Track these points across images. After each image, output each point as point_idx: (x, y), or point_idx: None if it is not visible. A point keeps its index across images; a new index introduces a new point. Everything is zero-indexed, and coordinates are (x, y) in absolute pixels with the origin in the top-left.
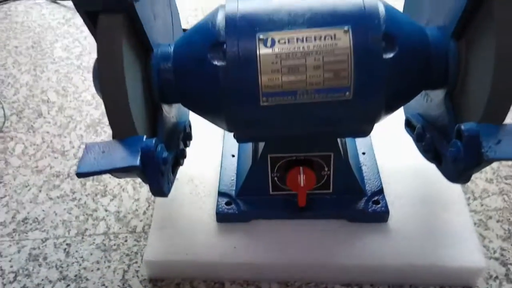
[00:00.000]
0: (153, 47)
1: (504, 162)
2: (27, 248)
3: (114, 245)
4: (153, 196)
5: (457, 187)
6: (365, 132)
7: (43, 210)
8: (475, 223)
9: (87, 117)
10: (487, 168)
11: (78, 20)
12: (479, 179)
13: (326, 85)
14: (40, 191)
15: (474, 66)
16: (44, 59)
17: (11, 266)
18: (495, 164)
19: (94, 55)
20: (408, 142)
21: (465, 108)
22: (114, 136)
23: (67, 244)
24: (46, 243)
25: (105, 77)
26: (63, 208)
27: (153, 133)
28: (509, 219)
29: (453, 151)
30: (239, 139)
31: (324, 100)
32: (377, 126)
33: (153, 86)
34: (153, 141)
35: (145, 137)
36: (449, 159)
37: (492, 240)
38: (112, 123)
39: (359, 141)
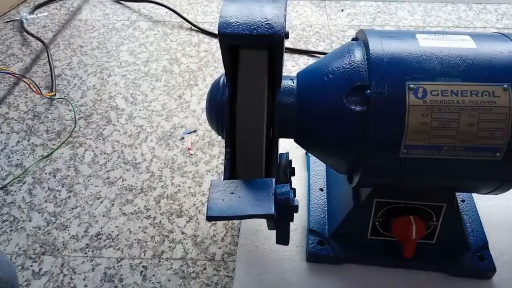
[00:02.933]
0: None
1: None
2: (102, 266)
3: (193, 272)
4: (230, 222)
5: None
6: (503, 191)
7: (117, 226)
8: None
9: (158, 129)
10: None
11: (143, 23)
12: None
13: (478, 143)
14: (112, 204)
15: None
16: (110, 62)
17: (85, 286)
18: None
19: (162, 63)
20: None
21: None
22: (240, 173)
23: (143, 267)
24: (122, 263)
25: (246, 114)
26: (137, 225)
27: (268, 169)
28: None
29: None
30: (361, 184)
31: (470, 158)
32: None
33: (275, 122)
34: (288, 188)
35: (274, 181)
36: None
37: None
38: (241, 163)
39: None
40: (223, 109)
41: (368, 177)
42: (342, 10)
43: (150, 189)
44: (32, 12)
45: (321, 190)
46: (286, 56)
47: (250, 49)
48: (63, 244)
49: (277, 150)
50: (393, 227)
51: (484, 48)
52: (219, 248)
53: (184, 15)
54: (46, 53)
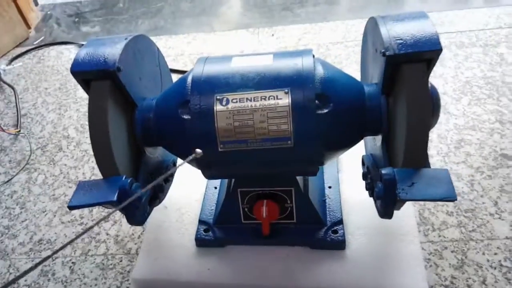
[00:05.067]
0: (137, 102)
1: (465, 196)
2: (40, 265)
3: (111, 264)
4: (145, 224)
5: (411, 220)
6: (311, 172)
7: (55, 233)
8: (430, 253)
9: None
10: (449, 202)
11: None
12: (440, 212)
13: (271, 135)
14: (54, 216)
15: (397, 120)
16: (68, 99)
17: (25, 280)
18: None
19: None
20: None
21: (395, 153)
22: (102, 176)
23: (72, 263)
24: (56, 261)
25: (93, 129)
26: (71, 231)
27: (136, 172)
28: (463, 249)
29: (376, 191)
30: (206, 176)
31: (271, 147)
32: (346, 162)
33: (136, 134)
34: (128, 181)
35: (124, 177)
36: (375, 198)
37: (445, 269)
38: (99, 166)
39: (327, 176)
40: None
41: (206, 169)
42: (273, 35)
43: None
44: (9, 63)
45: (215, 188)
46: None
47: (96, 81)
48: (12, 250)
49: (145, 156)
50: (253, 211)
51: (277, 63)
52: (135, 244)
53: None
54: (15, 98)
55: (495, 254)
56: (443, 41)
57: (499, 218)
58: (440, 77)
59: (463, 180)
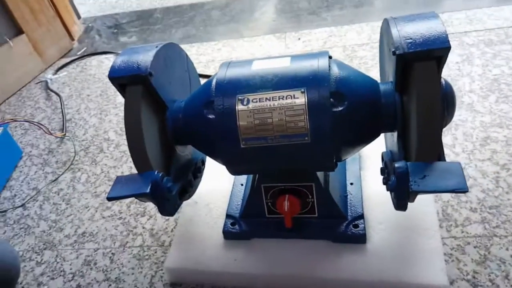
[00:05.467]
0: (168, 104)
1: (490, 193)
2: (83, 255)
3: (147, 255)
4: (176, 216)
5: (432, 215)
6: (329, 167)
7: (97, 226)
8: (453, 248)
9: None
10: (472, 198)
11: None
12: (463, 208)
13: (289, 132)
14: (96, 211)
15: (411, 116)
16: (108, 105)
17: (71, 269)
18: (480, 194)
19: None
20: None
21: (410, 149)
22: (137, 171)
23: (112, 253)
24: (97, 252)
25: (128, 129)
26: (111, 225)
27: (168, 168)
28: (487, 245)
29: (390, 184)
30: (231, 172)
31: (289, 143)
32: (368, 160)
33: (167, 133)
34: (160, 175)
35: (156, 171)
36: (389, 190)
37: (467, 263)
38: (133, 162)
39: (349, 173)
40: None
41: (230, 165)
42: (299, 39)
43: None
44: (55, 73)
45: (242, 184)
46: None
47: (130, 85)
48: (59, 241)
49: (175, 153)
50: (276, 205)
51: (294, 65)
52: (168, 236)
53: None
54: (60, 104)
55: None
56: (472, 40)
57: None
58: (467, 76)
59: (488, 177)
